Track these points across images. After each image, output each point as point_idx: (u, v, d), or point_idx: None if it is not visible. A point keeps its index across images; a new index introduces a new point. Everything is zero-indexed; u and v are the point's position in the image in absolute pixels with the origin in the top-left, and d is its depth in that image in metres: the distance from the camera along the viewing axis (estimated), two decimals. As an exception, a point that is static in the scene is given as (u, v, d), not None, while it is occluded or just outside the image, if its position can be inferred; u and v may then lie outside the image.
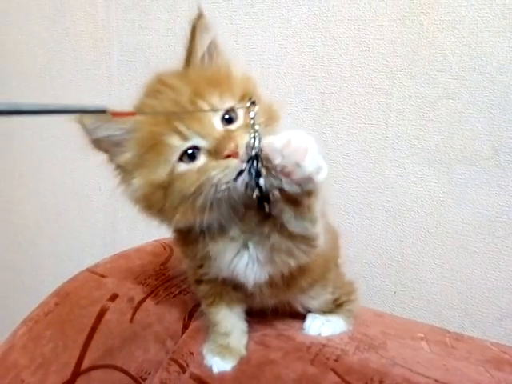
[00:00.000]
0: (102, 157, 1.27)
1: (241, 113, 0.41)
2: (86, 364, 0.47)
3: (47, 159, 1.29)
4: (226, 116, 0.40)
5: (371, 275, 0.89)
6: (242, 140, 0.38)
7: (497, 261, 0.78)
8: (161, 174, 0.39)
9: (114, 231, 1.22)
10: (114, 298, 0.53)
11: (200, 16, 0.42)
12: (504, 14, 0.72)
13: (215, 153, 0.38)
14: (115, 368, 0.48)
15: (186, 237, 0.44)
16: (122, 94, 1.12)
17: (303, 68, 0.88)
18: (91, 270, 0.59)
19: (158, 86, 0.41)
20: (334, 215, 0.86)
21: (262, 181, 0.36)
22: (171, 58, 1.08)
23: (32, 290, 1.43)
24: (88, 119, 0.39)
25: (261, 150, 0.36)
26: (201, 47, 0.42)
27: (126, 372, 0.48)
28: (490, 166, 0.76)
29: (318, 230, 0.42)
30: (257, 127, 0.38)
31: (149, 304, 0.54)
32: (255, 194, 0.37)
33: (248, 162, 0.37)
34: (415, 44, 0.78)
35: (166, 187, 0.39)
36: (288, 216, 0.39)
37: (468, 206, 0.79)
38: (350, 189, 0.88)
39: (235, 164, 0.37)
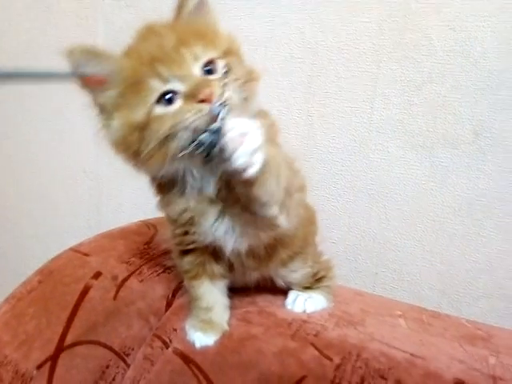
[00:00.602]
0: (87, 140, 1.25)
1: (220, 67, 0.42)
2: (69, 340, 0.48)
3: (32, 141, 1.28)
4: (206, 68, 0.42)
5: (354, 256, 0.91)
6: (218, 88, 0.40)
7: (475, 243, 0.80)
8: (139, 114, 0.40)
9: (99, 213, 1.22)
10: (97, 275, 0.54)
11: None
12: (490, 0, 0.72)
13: (191, 96, 0.40)
14: (99, 344, 0.48)
15: (169, 195, 0.46)
16: (108, 75, 1.10)
17: (290, 50, 0.88)
18: (74, 249, 0.59)
19: (145, 33, 0.43)
20: (318, 197, 0.89)
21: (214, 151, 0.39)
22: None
23: (15, 271, 1.42)
24: (78, 54, 0.40)
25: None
26: (190, 2, 0.44)
27: (109, 348, 0.49)
28: (471, 150, 0.78)
29: (273, 213, 0.44)
30: (228, 96, 0.39)
31: (132, 282, 0.55)
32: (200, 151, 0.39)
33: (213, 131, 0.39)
34: (402, 27, 0.79)
35: (142, 128, 0.40)
36: (239, 193, 0.42)
37: (449, 190, 0.81)
38: (335, 172, 0.89)
39: (208, 109, 0.39)
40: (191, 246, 0.50)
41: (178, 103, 0.40)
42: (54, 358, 0.46)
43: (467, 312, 0.82)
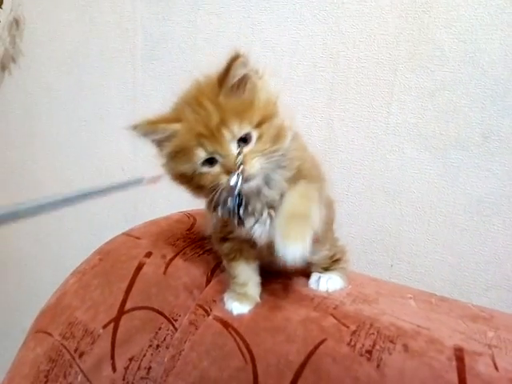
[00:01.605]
0: (125, 140, 1.37)
1: (254, 137, 0.51)
2: (128, 306, 0.57)
3: (73, 141, 1.38)
4: (242, 138, 0.51)
5: (371, 250, 0.98)
6: (248, 164, 0.50)
7: (484, 237, 0.86)
8: (187, 169, 0.52)
9: (135, 209, 1.32)
10: (149, 255, 0.63)
11: (237, 55, 0.49)
12: (497, 14, 0.79)
13: (225, 168, 0.51)
14: (152, 309, 0.58)
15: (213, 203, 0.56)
16: (145, 82, 1.20)
17: (314, 60, 0.96)
18: (127, 234, 0.68)
19: (194, 104, 0.51)
20: (337, 195, 0.96)
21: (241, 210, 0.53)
22: (191, 47, 1.17)
23: (56, 262, 1.54)
24: (141, 128, 0.53)
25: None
26: (234, 78, 0.50)
27: (161, 313, 0.58)
28: (481, 152, 0.84)
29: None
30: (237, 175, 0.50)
31: (178, 261, 0.64)
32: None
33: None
34: (416, 39, 0.86)
35: (189, 177, 0.53)
36: None
37: (460, 188, 0.87)
38: (354, 172, 0.96)
39: (235, 180, 0.50)
40: (230, 236, 0.59)
41: (217, 168, 0.51)
42: (116, 320, 0.56)
43: (477, 302, 0.86)
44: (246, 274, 0.60)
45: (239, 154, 0.50)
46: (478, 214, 0.86)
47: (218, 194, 0.52)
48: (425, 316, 0.60)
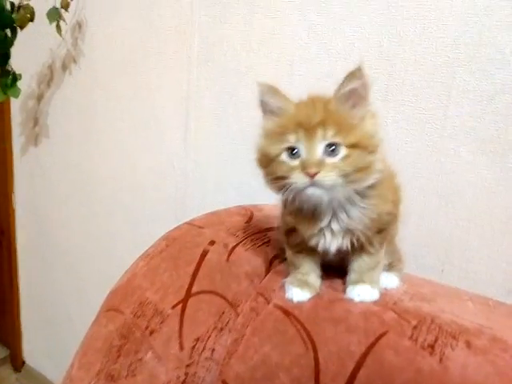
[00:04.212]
0: (177, 139, 1.41)
1: (341, 153, 0.53)
2: (195, 289, 0.60)
3: (128, 139, 1.44)
4: (330, 148, 0.53)
5: (421, 254, 0.97)
6: (322, 172, 0.52)
7: (542, 245, 0.85)
8: (273, 150, 0.55)
9: (184, 204, 1.36)
10: (212, 243, 0.66)
11: (358, 69, 0.55)
12: (563, 18, 0.78)
13: (302, 165, 0.52)
14: (217, 294, 0.61)
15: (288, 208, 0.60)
16: (200, 83, 1.25)
17: (369, 62, 0.97)
18: (190, 223, 0.72)
19: (308, 101, 0.56)
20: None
21: None
22: (246, 49, 1.20)
23: (107, 255, 1.60)
24: (265, 87, 0.56)
25: None
26: (345, 87, 0.54)
27: (225, 298, 0.61)
28: (541, 157, 0.82)
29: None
30: None
31: (240, 250, 0.67)
32: None
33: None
34: (476, 42, 0.85)
35: (270, 161, 0.55)
36: None
37: (517, 193, 0.86)
38: (407, 174, 0.96)
39: (304, 181, 0.52)
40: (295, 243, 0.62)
41: (296, 162, 0.53)
42: (184, 302, 0.59)
43: (532, 311, 0.86)
44: (309, 265, 0.62)
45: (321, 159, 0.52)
46: (536, 221, 0.84)
47: (287, 191, 0.53)
48: (484, 316, 0.60)
